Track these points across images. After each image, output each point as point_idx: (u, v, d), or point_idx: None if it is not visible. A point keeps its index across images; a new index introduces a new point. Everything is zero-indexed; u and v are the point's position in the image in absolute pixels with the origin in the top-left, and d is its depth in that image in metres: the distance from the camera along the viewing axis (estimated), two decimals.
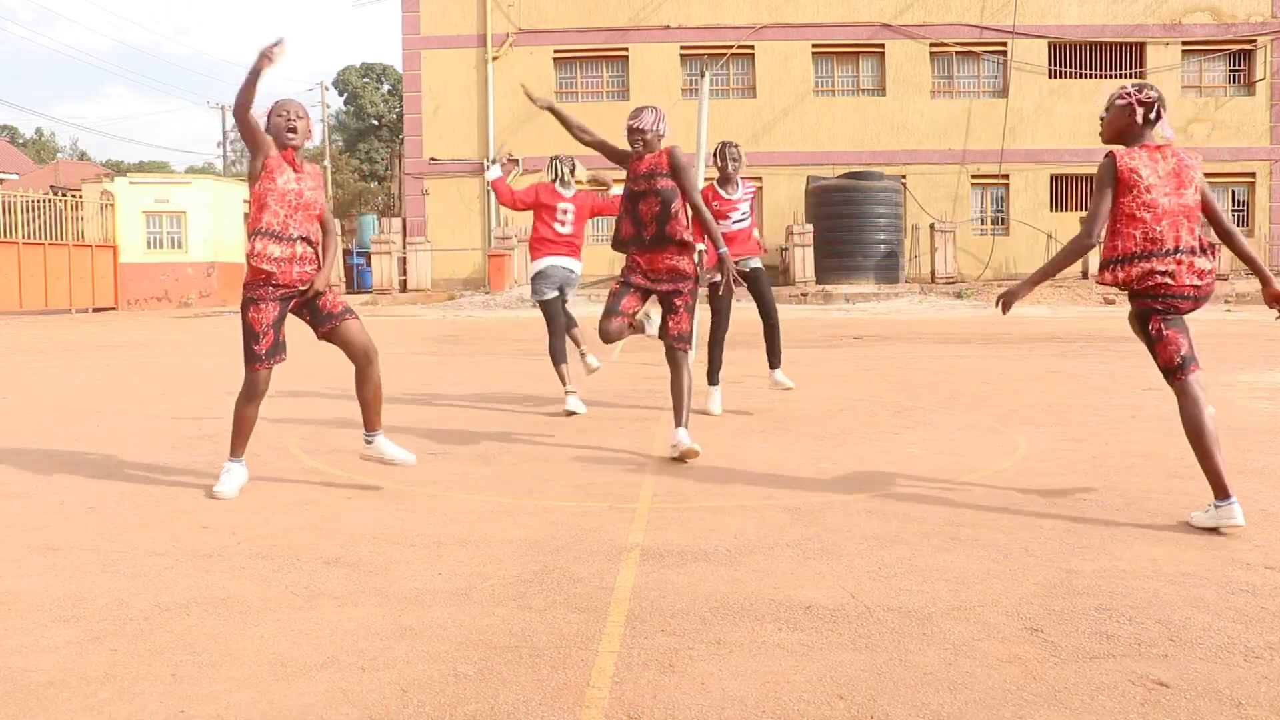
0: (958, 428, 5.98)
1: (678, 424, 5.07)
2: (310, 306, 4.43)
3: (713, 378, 6.73)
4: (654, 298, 5.14)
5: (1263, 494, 4.21)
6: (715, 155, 6.53)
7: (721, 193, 6.53)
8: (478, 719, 2.20)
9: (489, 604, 2.93)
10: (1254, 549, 3.41)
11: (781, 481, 4.58)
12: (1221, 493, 3.63)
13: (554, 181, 6.85)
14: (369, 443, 4.55)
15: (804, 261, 23.49)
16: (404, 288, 25.26)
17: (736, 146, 6.58)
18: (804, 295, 22.41)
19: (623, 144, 5.15)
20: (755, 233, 6.82)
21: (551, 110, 5.23)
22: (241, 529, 3.78)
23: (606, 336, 5.04)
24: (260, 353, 4.31)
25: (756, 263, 6.68)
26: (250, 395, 4.36)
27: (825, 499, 4.21)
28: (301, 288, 4.36)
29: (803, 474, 4.74)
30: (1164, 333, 3.75)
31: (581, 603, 2.93)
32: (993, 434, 5.75)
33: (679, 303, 5.04)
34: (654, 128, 5.01)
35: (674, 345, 5.05)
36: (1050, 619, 2.76)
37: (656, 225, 4.93)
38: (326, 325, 4.44)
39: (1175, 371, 3.75)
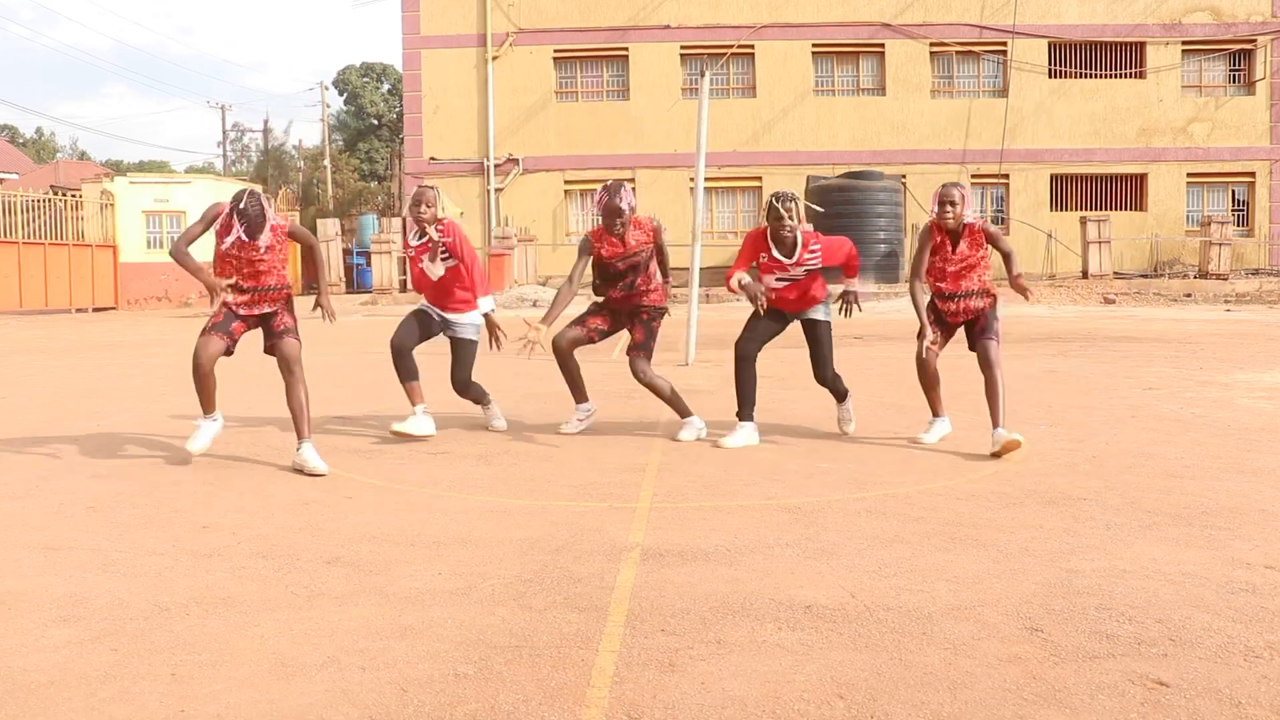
0: (958, 428, 5.97)
1: (685, 416, 5.75)
2: (265, 322, 5.12)
3: (741, 411, 5.59)
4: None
5: (1263, 494, 4.21)
6: (766, 211, 5.51)
7: (775, 253, 5.50)
8: (478, 719, 2.20)
9: (489, 604, 2.93)
10: (1254, 549, 3.41)
11: (781, 481, 4.58)
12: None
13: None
14: (296, 450, 4.93)
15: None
16: (404, 287, 25.22)
17: (793, 202, 5.42)
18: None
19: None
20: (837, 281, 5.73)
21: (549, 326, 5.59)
22: (241, 529, 3.78)
23: (561, 344, 5.68)
24: (208, 325, 5.03)
25: (817, 314, 5.63)
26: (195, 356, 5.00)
27: (825, 499, 4.21)
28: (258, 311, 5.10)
29: (803, 474, 4.74)
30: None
31: (581, 602, 2.93)
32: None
33: (644, 315, 5.75)
34: (630, 208, 5.58)
35: (629, 353, 5.70)
36: (1050, 619, 2.76)
37: (632, 278, 5.67)
38: (269, 341, 5.11)
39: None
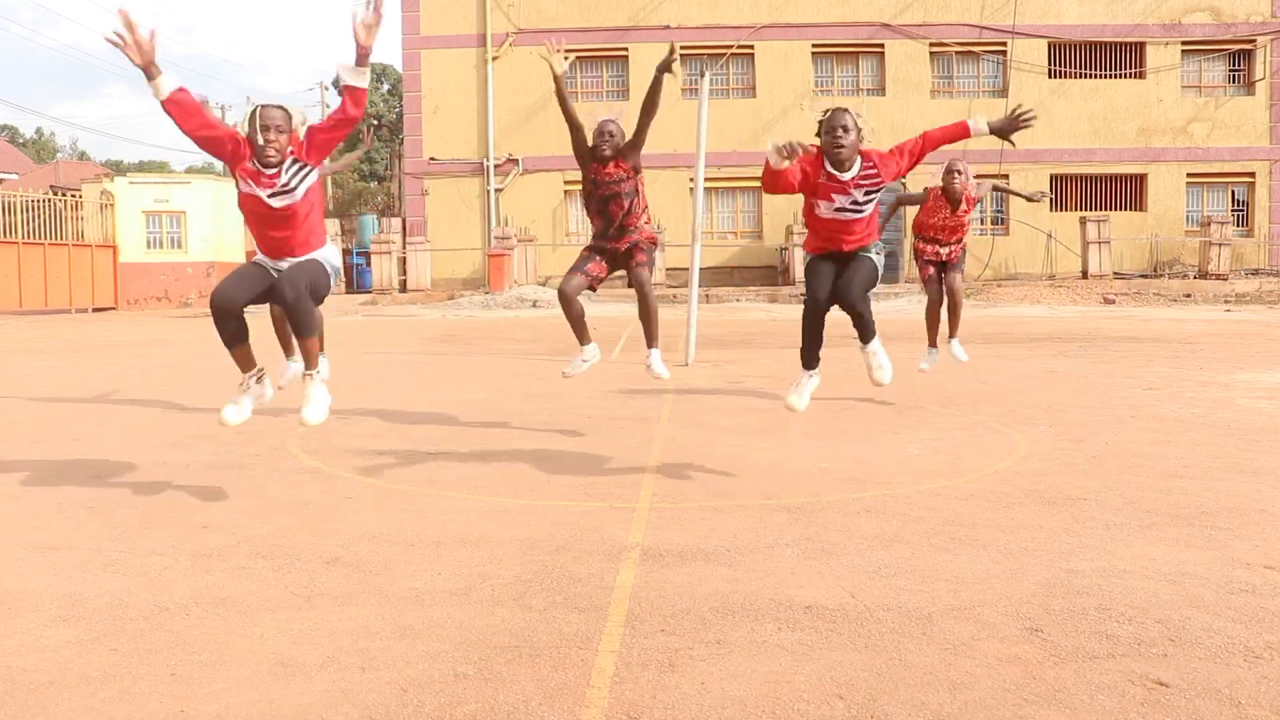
0: (958, 428, 5.98)
1: (650, 345, 5.86)
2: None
3: (805, 359, 5.03)
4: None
5: (1263, 494, 4.21)
6: (820, 128, 4.68)
7: (829, 167, 4.64)
8: (478, 719, 2.20)
9: (489, 604, 2.93)
10: (1254, 549, 3.41)
11: (781, 481, 4.58)
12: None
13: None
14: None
15: (804, 262, 23.51)
16: (404, 287, 25.25)
17: (847, 112, 4.63)
18: (804, 295, 22.41)
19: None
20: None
21: (558, 80, 5.72)
22: (241, 529, 3.78)
23: (567, 290, 5.67)
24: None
25: (868, 251, 4.92)
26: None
27: (825, 499, 4.21)
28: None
29: (803, 474, 4.73)
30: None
31: (581, 603, 2.93)
32: (993, 434, 5.75)
33: (638, 250, 5.78)
34: (621, 133, 5.66)
35: (636, 267, 5.74)
36: (1050, 619, 2.76)
37: (623, 219, 5.70)
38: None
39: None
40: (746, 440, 5.65)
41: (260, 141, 4.23)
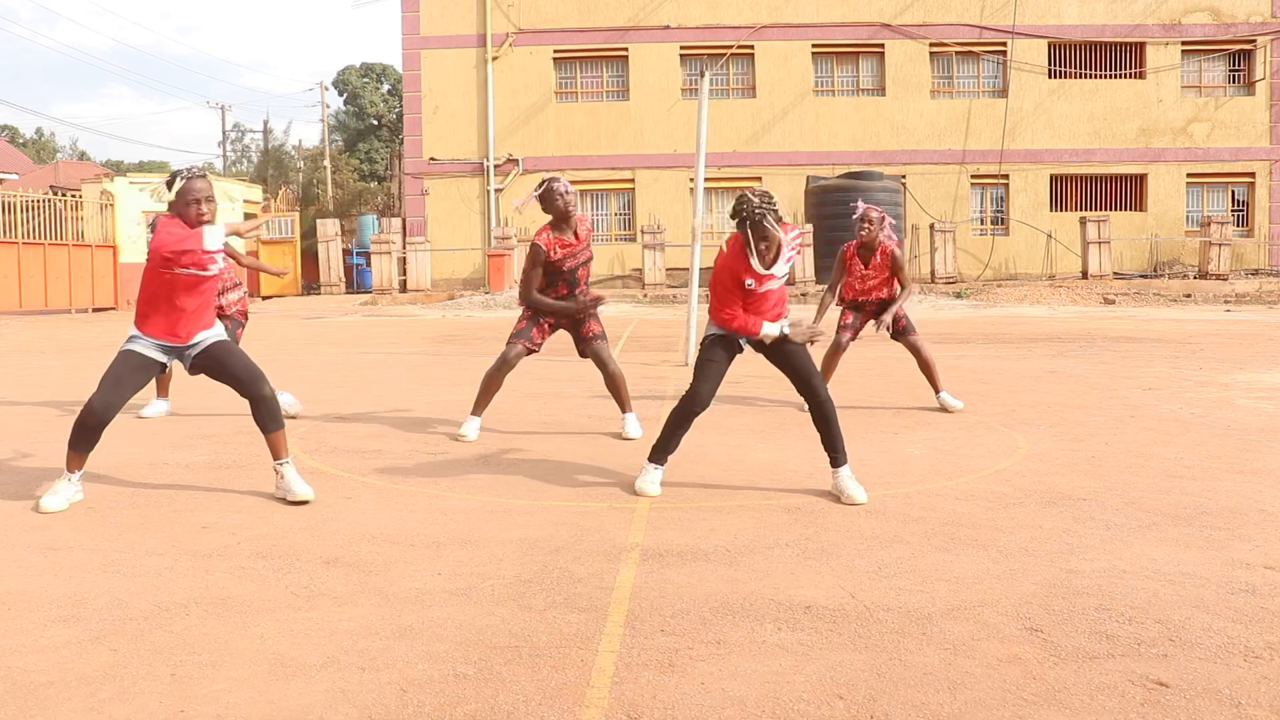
0: (958, 428, 5.98)
1: (624, 410, 5.88)
2: None
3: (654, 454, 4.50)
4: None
5: (1263, 494, 4.21)
6: (742, 219, 4.17)
7: (754, 264, 4.20)
8: (478, 719, 2.20)
9: (489, 604, 2.93)
10: (1254, 549, 3.41)
11: (781, 481, 4.58)
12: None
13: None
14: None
15: (804, 262, 23.49)
16: (404, 288, 25.25)
17: (765, 215, 4.12)
18: (804, 296, 22.41)
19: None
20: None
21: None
22: (241, 529, 3.78)
23: (507, 358, 5.62)
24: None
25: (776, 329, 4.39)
26: None
27: (825, 499, 4.21)
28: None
29: (803, 474, 4.73)
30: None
31: (581, 603, 2.93)
32: (993, 434, 5.75)
33: (593, 323, 5.79)
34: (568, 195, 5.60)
35: (594, 341, 5.76)
36: (1050, 619, 2.76)
37: (584, 286, 5.73)
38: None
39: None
40: (746, 440, 5.65)
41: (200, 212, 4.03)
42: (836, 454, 4.27)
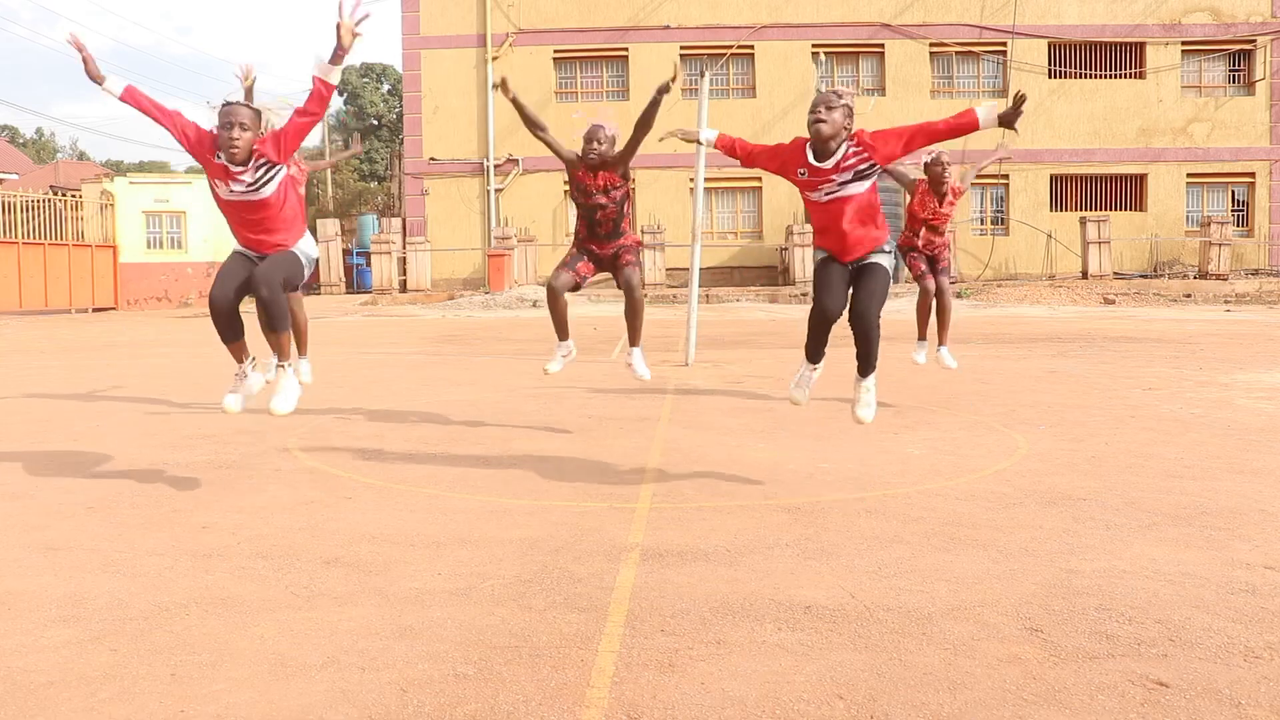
0: (958, 428, 5.98)
1: (632, 344, 5.92)
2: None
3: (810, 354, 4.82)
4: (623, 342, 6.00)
5: (1263, 494, 4.21)
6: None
7: (810, 158, 4.36)
8: (478, 719, 2.20)
9: (489, 604, 2.93)
10: (1254, 549, 3.41)
11: (781, 481, 4.58)
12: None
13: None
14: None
15: (804, 261, 23.48)
16: (404, 288, 25.26)
17: (834, 92, 4.31)
18: (804, 295, 22.41)
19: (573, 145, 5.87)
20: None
21: (514, 103, 5.93)
22: (241, 529, 3.78)
23: (556, 286, 5.71)
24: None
25: (878, 258, 4.53)
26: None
27: (825, 499, 4.21)
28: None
29: (803, 474, 4.73)
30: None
31: (581, 603, 2.93)
32: (993, 434, 5.75)
33: (626, 253, 5.79)
34: (611, 142, 5.73)
35: (626, 268, 5.73)
36: (1050, 619, 2.76)
37: (611, 226, 5.73)
38: None
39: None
40: (746, 440, 5.65)
41: (223, 137, 4.30)
42: (863, 366, 4.57)
